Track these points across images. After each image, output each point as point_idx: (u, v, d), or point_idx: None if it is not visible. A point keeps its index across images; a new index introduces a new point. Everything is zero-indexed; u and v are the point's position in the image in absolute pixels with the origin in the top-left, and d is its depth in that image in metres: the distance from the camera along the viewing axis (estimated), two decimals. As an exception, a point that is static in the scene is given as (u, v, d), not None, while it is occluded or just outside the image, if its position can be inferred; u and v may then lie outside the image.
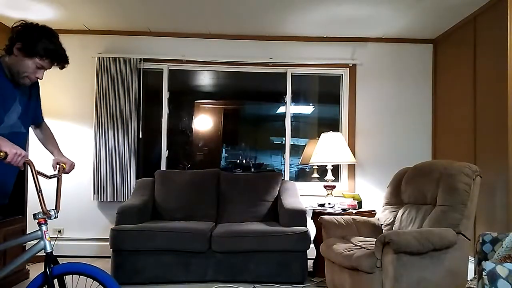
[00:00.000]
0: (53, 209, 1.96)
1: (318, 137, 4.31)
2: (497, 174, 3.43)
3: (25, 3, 3.84)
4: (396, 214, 3.26)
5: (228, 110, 5.60)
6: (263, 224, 3.86)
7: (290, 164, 4.86)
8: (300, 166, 5.12)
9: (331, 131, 4.26)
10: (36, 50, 1.91)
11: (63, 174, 2.15)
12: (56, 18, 4.19)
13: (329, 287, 3.17)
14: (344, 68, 4.75)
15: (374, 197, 4.47)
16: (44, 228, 1.93)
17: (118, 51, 4.56)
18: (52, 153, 2.26)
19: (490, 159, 3.56)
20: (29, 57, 1.92)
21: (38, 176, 1.92)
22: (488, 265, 1.64)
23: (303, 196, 4.39)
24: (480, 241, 2.35)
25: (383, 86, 4.72)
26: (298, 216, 3.69)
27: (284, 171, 4.78)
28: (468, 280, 2.68)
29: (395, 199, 3.36)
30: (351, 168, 4.67)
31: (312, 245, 3.72)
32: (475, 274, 2.57)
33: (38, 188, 1.88)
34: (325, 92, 5.10)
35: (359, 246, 2.89)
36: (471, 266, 2.85)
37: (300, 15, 4.06)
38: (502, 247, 2.18)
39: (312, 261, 3.93)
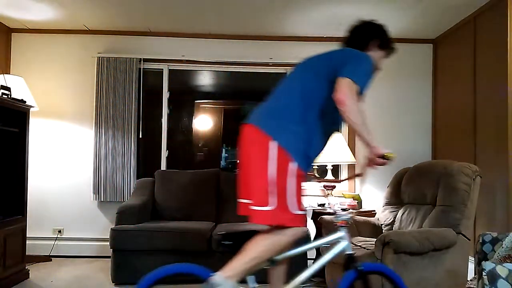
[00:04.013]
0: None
1: (318, 137, 4.30)
2: (497, 174, 3.43)
3: (25, 3, 3.84)
4: (396, 214, 3.26)
5: (228, 110, 5.60)
6: (263, 224, 3.85)
7: (290, 164, 4.84)
8: (300, 166, 5.11)
9: (331, 131, 4.25)
10: (388, 44, 2.20)
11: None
12: (56, 18, 4.19)
13: (329, 287, 3.16)
14: (344, 68, 4.74)
15: (374, 197, 4.46)
16: (345, 230, 1.98)
17: (118, 51, 4.56)
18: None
19: (490, 159, 3.56)
20: (382, 50, 2.20)
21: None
22: (488, 265, 1.64)
23: (303, 196, 4.37)
24: (480, 241, 2.35)
25: (383, 86, 4.70)
26: (298, 216, 3.68)
27: (284, 171, 4.76)
28: (468, 280, 2.68)
29: (395, 199, 3.36)
30: (351, 168, 4.66)
31: (312, 245, 3.71)
32: (475, 274, 2.57)
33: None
34: (325, 92, 5.09)
35: (359, 246, 2.89)
36: (471, 266, 2.85)
37: (300, 15, 4.06)
38: (502, 247, 2.18)
39: (312, 261, 3.93)
